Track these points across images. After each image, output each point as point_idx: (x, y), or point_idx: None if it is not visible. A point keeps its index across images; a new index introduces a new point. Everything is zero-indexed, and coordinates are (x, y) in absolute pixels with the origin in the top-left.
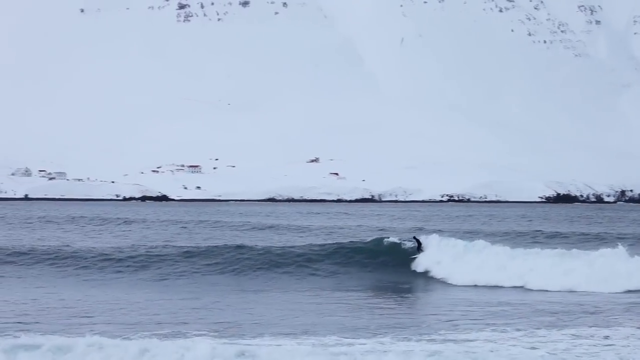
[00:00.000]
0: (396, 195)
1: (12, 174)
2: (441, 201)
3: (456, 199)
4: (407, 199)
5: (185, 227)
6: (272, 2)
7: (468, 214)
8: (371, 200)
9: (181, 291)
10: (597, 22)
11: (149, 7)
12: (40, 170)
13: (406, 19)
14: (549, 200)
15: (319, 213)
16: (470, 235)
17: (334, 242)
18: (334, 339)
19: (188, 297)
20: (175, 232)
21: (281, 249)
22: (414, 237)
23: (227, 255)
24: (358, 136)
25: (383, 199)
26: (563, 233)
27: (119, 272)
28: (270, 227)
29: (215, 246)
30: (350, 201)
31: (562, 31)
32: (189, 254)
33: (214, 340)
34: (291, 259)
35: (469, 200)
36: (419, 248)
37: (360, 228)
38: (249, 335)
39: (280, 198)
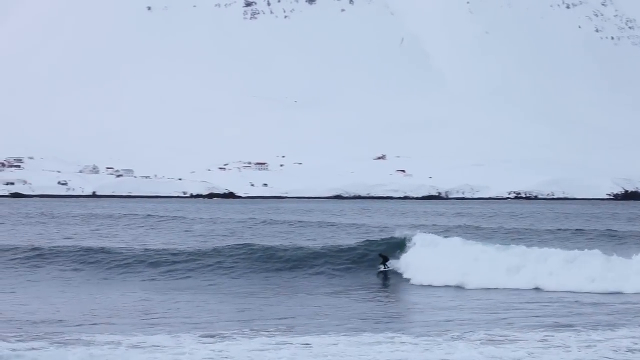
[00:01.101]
0: (463, 193)
1: (80, 171)
2: (508, 198)
3: (523, 196)
4: (474, 196)
5: (244, 224)
6: None
7: (518, 212)
8: (438, 197)
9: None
10: None
11: (216, 5)
12: (108, 168)
13: (473, 15)
14: (616, 197)
15: (374, 210)
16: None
17: (366, 239)
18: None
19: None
20: (215, 232)
21: (316, 248)
22: (380, 255)
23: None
24: (425, 133)
25: (450, 196)
26: (615, 231)
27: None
28: (318, 223)
29: (237, 245)
30: (417, 198)
31: (630, 27)
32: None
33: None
34: (318, 257)
35: (535, 198)
36: (384, 264)
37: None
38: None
39: (346, 195)
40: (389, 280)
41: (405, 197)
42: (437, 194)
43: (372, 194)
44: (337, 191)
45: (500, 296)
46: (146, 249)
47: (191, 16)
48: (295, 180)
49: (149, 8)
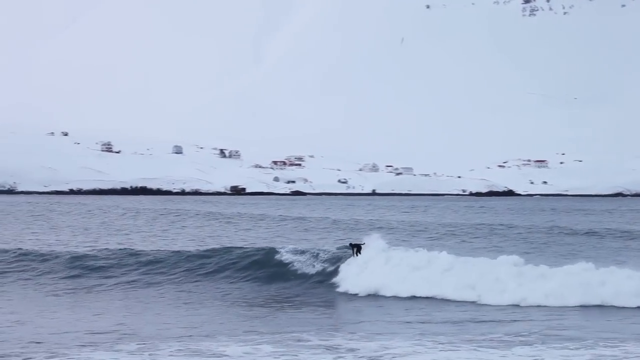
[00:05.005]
0: None
1: (360, 170)
2: None
3: None
4: None
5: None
6: None
7: None
8: None
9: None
10: None
11: (494, 2)
12: (387, 166)
13: None
14: None
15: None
16: None
17: None
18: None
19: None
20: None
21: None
22: (350, 244)
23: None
24: None
25: None
26: None
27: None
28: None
29: None
30: None
31: None
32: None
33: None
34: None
35: None
36: (357, 253)
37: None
38: None
39: (627, 193)
40: None
41: None
42: None
43: None
44: (618, 189)
45: None
46: None
47: (469, 13)
48: (575, 178)
49: (428, 7)
